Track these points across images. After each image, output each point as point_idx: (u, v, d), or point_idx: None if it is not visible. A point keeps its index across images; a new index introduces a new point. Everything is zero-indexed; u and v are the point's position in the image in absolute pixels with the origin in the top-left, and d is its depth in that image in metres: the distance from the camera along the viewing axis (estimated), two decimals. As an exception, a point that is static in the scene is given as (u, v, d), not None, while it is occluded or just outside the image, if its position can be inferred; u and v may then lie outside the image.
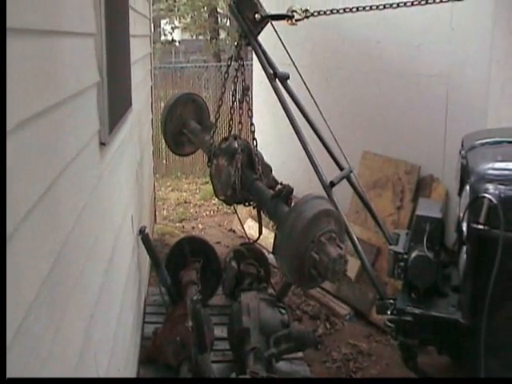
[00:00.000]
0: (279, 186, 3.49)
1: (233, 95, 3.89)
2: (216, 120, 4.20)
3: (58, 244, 1.51)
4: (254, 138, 3.73)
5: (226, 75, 4.00)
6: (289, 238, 3.02)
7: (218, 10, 17.98)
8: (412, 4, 3.77)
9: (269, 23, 3.89)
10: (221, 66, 11.86)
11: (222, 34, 18.16)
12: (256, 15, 3.79)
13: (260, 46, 3.83)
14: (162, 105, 10.80)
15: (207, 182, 9.36)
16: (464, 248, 3.21)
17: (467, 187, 3.20)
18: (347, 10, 3.93)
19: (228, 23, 18.99)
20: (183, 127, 4.66)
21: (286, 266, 3.11)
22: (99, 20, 2.28)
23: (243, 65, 3.86)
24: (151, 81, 7.10)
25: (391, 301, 3.39)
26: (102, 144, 2.32)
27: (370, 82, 5.81)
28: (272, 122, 6.44)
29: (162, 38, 19.17)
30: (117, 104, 2.72)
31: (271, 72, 3.75)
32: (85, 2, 2.14)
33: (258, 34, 3.85)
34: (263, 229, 3.98)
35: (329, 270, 2.93)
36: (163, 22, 19.20)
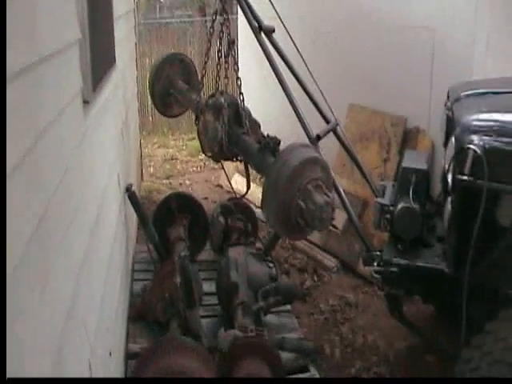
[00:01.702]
0: (266, 139, 3.44)
1: (219, 51, 3.82)
2: (202, 77, 4.13)
3: (43, 204, 1.50)
4: (240, 93, 3.68)
5: (212, 30, 3.91)
6: (274, 187, 2.95)
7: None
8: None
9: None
10: (206, 21, 11.68)
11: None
12: None
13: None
14: (147, 61, 10.73)
15: (194, 138, 9.30)
16: (449, 199, 3.24)
17: (452, 139, 3.20)
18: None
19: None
20: (171, 88, 4.58)
21: (273, 216, 3.03)
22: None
23: (228, 19, 3.77)
24: (135, 37, 6.97)
25: (378, 252, 3.42)
26: (86, 102, 2.28)
27: (356, 35, 5.75)
28: (258, 77, 6.37)
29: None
30: (100, 61, 2.66)
31: (256, 25, 3.68)
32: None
33: None
34: (251, 184, 3.97)
35: (316, 217, 2.86)
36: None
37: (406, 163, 3.52)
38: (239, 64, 4.03)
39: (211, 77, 4.34)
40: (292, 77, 3.78)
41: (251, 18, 3.67)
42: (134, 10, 6.85)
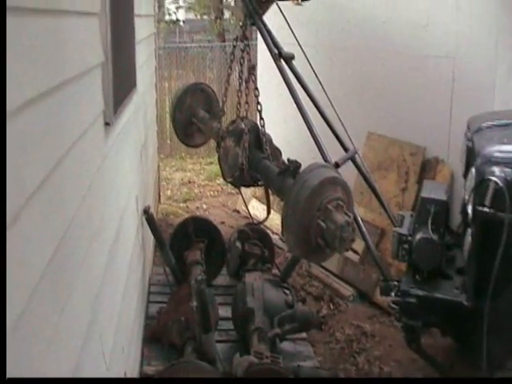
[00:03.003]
0: (286, 162, 3.42)
1: (239, 77, 3.85)
2: (223, 104, 4.16)
3: (64, 225, 1.50)
4: (261, 118, 3.70)
5: (232, 56, 3.95)
6: (294, 207, 2.91)
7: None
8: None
9: (274, 3, 3.84)
10: (225, 46, 11.76)
11: (227, 14, 18.04)
12: None
13: (265, 25, 3.78)
14: (167, 85, 10.84)
15: (212, 163, 9.33)
16: (469, 230, 3.20)
17: (473, 170, 3.17)
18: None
19: (232, 3, 18.84)
20: (192, 117, 4.63)
21: (293, 237, 2.97)
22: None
23: (249, 45, 3.82)
24: (155, 61, 7.05)
25: (395, 282, 3.38)
26: (107, 124, 2.30)
27: (375, 63, 5.76)
28: (277, 102, 6.39)
29: (167, 17, 19.03)
30: (121, 84, 2.70)
31: (276, 52, 3.71)
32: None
33: (263, 13, 3.80)
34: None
35: (336, 237, 2.79)
36: (167, 1, 19.09)
37: (424, 193, 3.48)
38: (259, 89, 4.06)
39: (232, 103, 4.36)
40: (311, 103, 3.79)
41: (271, 44, 3.70)
42: (154, 34, 6.93)
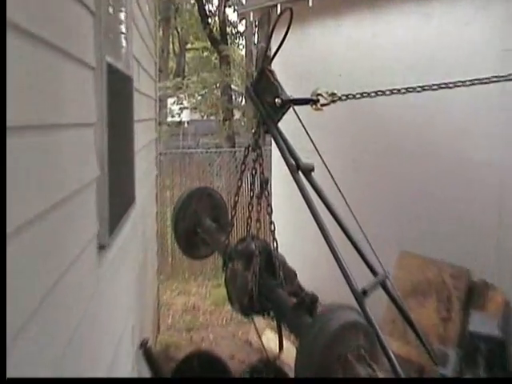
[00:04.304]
0: (302, 295, 3.47)
1: (250, 189, 3.95)
2: (232, 217, 4.24)
3: (55, 357, 1.55)
4: (274, 239, 3.76)
5: (243, 167, 4.07)
6: (310, 355, 2.94)
7: (233, 87, 18.54)
8: (455, 85, 3.89)
9: (291, 108, 3.98)
10: (235, 152, 12.07)
11: (237, 115, 18.59)
12: (276, 100, 3.88)
13: (281, 133, 3.91)
14: (169, 195, 11.05)
15: (219, 285, 9.32)
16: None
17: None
18: (379, 93, 4.05)
19: (243, 102, 19.52)
20: (197, 226, 4.71)
21: None
22: (100, 108, 2.39)
23: (261, 155, 3.92)
24: (156, 169, 7.26)
25: None
26: (101, 247, 2.38)
27: (407, 168, 5.86)
28: (293, 218, 6.51)
29: (169, 119, 19.67)
30: (119, 201, 2.80)
31: (293, 164, 3.82)
32: (85, 89, 2.24)
33: (279, 120, 3.94)
34: (285, 341, 3.93)
35: None
36: (170, 101, 19.75)
37: (473, 327, 3.45)
38: (272, 204, 4.14)
39: (242, 217, 4.45)
40: (332, 218, 3.84)
41: (288, 155, 3.81)
42: (156, 140, 7.17)
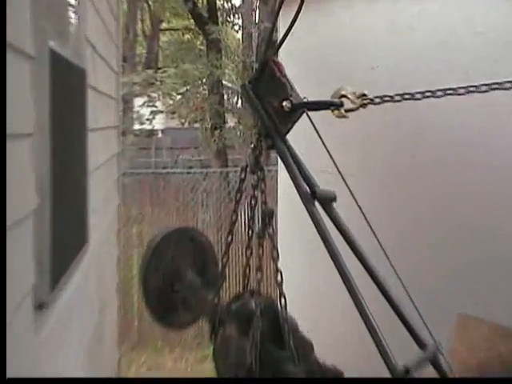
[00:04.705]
0: (321, 370, 3.44)
1: (249, 226, 3.90)
2: (224, 266, 4.16)
3: None
4: (281, 294, 3.72)
5: (239, 195, 4.02)
6: None
7: (225, 83, 18.48)
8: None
9: (304, 114, 3.91)
10: (228, 173, 11.99)
11: (231, 122, 18.48)
12: (285, 103, 3.79)
13: (290, 149, 3.86)
14: (134, 231, 10.95)
15: (205, 358, 9.28)
16: None
17: None
18: (428, 94, 4.02)
19: (239, 104, 19.47)
20: (175, 281, 4.63)
21: None
22: (40, 112, 2.37)
23: (264, 178, 3.86)
24: (118, 196, 7.24)
25: None
26: (40, 306, 2.35)
27: (463, 197, 5.83)
28: (308, 266, 6.46)
29: (137, 126, 19.56)
30: (65, 242, 2.78)
31: (308, 191, 3.77)
32: (19, 86, 2.23)
33: (288, 131, 3.89)
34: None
35: None
36: (138, 102, 19.66)
37: None
38: (279, 246, 4.09)
39: (237, 265, 4.42)
40: (358, 264, 3.80)
41: (300, 179, 3.75)
42: (118, 155, 7.13)
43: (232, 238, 4.07)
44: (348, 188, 3.85)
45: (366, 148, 6.52)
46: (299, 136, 4.01)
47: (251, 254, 3.94)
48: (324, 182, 3.87)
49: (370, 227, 3.86)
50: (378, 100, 3.89)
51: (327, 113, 3.92)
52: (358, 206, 3.86)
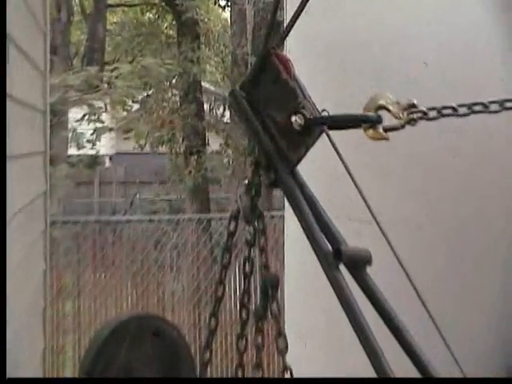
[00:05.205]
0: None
1: (242, 304, 3.89)
2: (205, 368, 4.12)
3: None
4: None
5: (227, 256, 4.02)
6: None
7: (205, 85, 18.53)
8: None
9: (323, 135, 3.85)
10: (210, 221, 12.03)
11: (214, 143, 18.49)
12: (294, 118, 3.72)
13: (303, 186, 3.82)
14: (70, 310, 10.95)
15: None
16: None
17: None
18: (509, 105, 4.00)
19: (227, 116, 19.51)
20: None
21: None
22: None
23: (264, 231, 3.85)
24: (44, 257, 7.25)
25: None
26: None
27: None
28: (329, 355, 6.53)
29: (73, 151, 19.56)
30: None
31: (328, 250, 3.72)
32: None
33: (300, 160, 3.82)
34: None
35: None
36: (75, 115, 19.55)
37: None
38: (287, 331, 4.12)
39: (224, 363, 4.43)
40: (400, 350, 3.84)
41: (317, 233, 3.67)
42: (45, 196, 7.14)
43: (217, 324, 4.05)
44: (389, 245, 3.82)
45: (402, 168, 6.56)
46: (315, 167, 4.04)
47: (246, 345, 3.93)
48: (354, 234, 3.88)
49: (418, 295, 3.89)
50: (433, 114, 3.80)
51: (357, 132, 3.89)
52: (406, 272, 3.84)
